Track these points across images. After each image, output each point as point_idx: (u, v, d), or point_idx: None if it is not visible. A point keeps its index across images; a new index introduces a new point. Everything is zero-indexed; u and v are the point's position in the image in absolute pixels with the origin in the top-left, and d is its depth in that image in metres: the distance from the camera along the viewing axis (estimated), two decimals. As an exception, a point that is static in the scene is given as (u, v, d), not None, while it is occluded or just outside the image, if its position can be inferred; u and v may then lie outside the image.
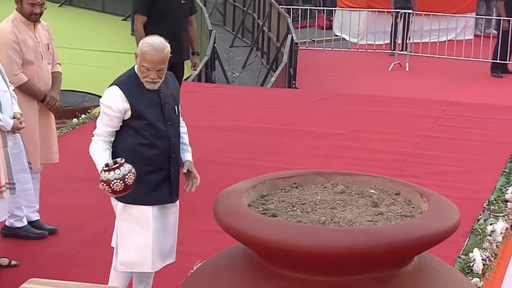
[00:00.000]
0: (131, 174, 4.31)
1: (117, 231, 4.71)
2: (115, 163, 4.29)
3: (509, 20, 14.79)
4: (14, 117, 5.35)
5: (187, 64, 7.59)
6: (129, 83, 4.59)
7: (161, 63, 4.55)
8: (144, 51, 4.52)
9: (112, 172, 4.24)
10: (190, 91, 10.09)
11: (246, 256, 3.81)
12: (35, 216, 5.93)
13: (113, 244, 4.79)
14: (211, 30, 13.72)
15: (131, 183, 4.31)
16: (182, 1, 7.16)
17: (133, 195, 4.54)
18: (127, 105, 4.52)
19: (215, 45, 13.27)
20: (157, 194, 4.64)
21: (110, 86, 4.61)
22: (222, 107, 9.39)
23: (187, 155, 4.84)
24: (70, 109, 8.76)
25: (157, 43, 4.57)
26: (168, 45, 4.61)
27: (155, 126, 4.60)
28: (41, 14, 5.89)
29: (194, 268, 4.65)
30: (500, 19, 15.12)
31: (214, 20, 17.00)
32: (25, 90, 5.76)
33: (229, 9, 19.11)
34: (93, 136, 4.58)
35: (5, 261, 5.52)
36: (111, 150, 4.56)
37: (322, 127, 8.60)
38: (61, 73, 6.19)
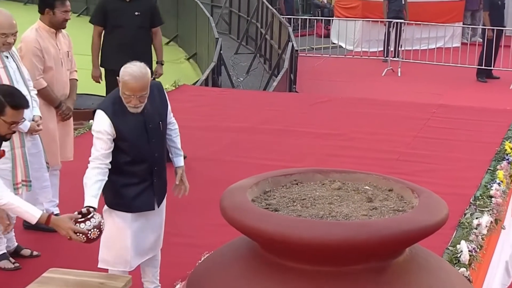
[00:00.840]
0: (103, 221, 4.23)
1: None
2: (88, 212, 4.19)
3: (493, 29, 14.79)
4: (33, 120, 5.35)
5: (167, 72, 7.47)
6: (114, 107, 4.51)
7: (142, 90, 4.44)
8: (125, 80, 4.42)
9: (88, 222, 4.13)
10: (198, 94, 10.10)
11: (250, 247, 3.81)
12: (56, 210, 5.93)
13: None
14: (218, 38, 13.71)
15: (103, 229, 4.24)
16: (136, 13, 7.01)
17: (116, 202, 4.55)
18: (112, 129, 4.48)
19: (221, 52, 13.27)
20: (139, 203, 4.61)
21: (96, 110, 4.55)
22: (227, 109, 9.39)
23: (178, 160, 4.84)
24: (87, 111, 8.74)
25: (136, 71, 4.44)
26: (149, 71, 4.50)
27: (138, 146, 4.56)
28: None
29: (202, 259, 4.64)
30: (485, 28, 15.13)
31: (220, 29, 16.98)
32: (43, 95, 5.80)
33: (234, 18, 19.10)
34: (90, 160, 4.53)
35: (27, 251, 5.52)
36: (105, 179, 4.48)
37: (320, 128, 8.60)
38: (77, 80, 6.23)
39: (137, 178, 4.60)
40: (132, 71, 4.45)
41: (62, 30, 6.02)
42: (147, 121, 4.59)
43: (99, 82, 7.15)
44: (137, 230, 4.61)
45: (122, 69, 4.51)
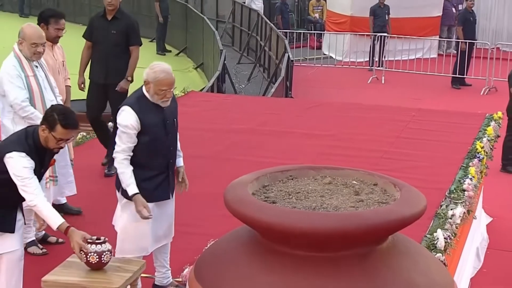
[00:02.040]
0: (108, 253, 4.14)
1: (119, 222, 4.69)
2: (102, 240, 4.14)
3: (466, 42, 14.81)
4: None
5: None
6: (139, 104, 4.52)
7: (174, 83, 4.54)
8: (161, 78, 4.45)
9: (93, 246, 4.08)
10: (205, 100, 10.08)
11: (251, 235, 3.81)
12: (63, 200, 5.91)
13: (113, 223, 4.80)
14: (222, 50, 13.70)
15: (106, 261, 4.15)
16: (113, 32, 6.86)
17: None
18: (138, 124, 4.48)
19: (225, 62, 13.26)
20: (158, 193, 4.63)
21: (122, 106, 4.55)
22: (230, 113, 9.38)
23: (180, 161, 4.84)
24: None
25: (167, 68, 4.52)
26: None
27: (158, 140, 4.57)
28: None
29: (208, 245, 4.64)
30: (458, 41, 15.14)
31: (224, 42, 16.96)
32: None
33: (237, 32, 19.09)
34: (114, 152, 4.52)
35: (53, 239, 5.53)
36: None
37: (313, 130, 8.58)
38: (70, 87, 6.22)
39: (156, 170, 4.60)
40: (164, 68, 4.51)
41: None
42: (165, 118, 4.62)
43: (83, 90, 7.02)
44: (153, 218, 4.61)
45: (149, 71, 4.52)
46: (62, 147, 4.31)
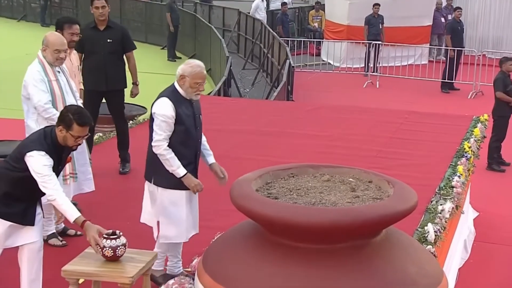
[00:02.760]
0: (122, 247, 4.12)
1: (154, 211, 4.69)
2: (117, 235, 4.12)
3: (454, 50, 14.80)
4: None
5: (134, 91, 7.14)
6: (174, 96, 4.57)
7: (206, 77, 4.65)
8: (198, 71, 4.53)
9: (109, 241, 4.07)
10: (212, 103, 10.07)
11: (255, 229, 3.81)
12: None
13: (142, 220, 4.81)
14: (228, 57, 13.69)
15: (120, 255, 4.12)
16: (109, 40, 6.73)
17: (173, 182, 4.54)
18: (175, 113, 4.52)
19: (231, 68, 13.25)
20: None
21: (160, 98, 4.58)
22: (236, 115, 9.38)
23: (213, 158, 4.86)
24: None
25: (201, 63, 4.63)
26: None
27: (189, 131, 4.60)
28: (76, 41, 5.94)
29: (215, 238, 4.64)
30: (447, 49, 15.13)
31: (230, 49, 16.95)
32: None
33: (242, 40, 19.09)
34: (155, 141, 4.52)
35: (72, 231, 5.53)
36: None
37: (312, 131, 8.58)
38: (82, 89, 6.19)
39: (186, 160, 4.60)
40: (199, 63, 4.62)
41: None
42: (195, 111, 4.67)
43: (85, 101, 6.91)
44: (188, 206, 4.64)
45: (185, 66, 4.58)
46: (80, 144, 4.32)
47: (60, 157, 4.29)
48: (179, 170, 4.52)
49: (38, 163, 4.10)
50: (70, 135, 4.18)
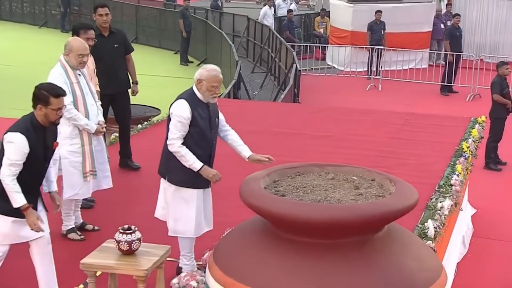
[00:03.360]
0: (137, 242, 4.14)
1: (172, 206, 4.69)
2: (133, 230, 4.14)
3: (453, 54, 14.76)
4: (98, 124, 5.37)
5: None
6: (191, 99, 4.58)
7: (221, 81, 4.65)
8: (214, 74, 4.56)
9: (124, 235, 4.10)
10: (222, 105, 9.93)
11: (263, 225, 3.81)
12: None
13: (156, 215, 4.81)
14: (238, 61, 13.69)
15: (135, 249, 4.15)
16: (115, 45, 6.75)
17: (185, 179, 4.54)
18: (191, 115, 4.52)
19: (240, 71, 13.25)
20: (200, 181, 4.63)
21: (178, 100, 4.59)
22: (245, 116, 9.37)
23: (248, 151, 4.89)
24: (136, 118, 8.75)
25: (217, 68, 4.64)
26: None
27: (204, 132, 4.60)
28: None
29: (225, 233, 4.65)
30: (446, 54, 15.08)
31: (240, 53, 16.95)
32: None
33: (251, 45, 19.08)
34: (170, 139, 4.53)
35: (90, 226, 5.55)
36: None
37: (318, 131, 8.57)
38: (99, 91, 6.16)
39: (200, 160, 4.59)
40: (215, 67, 4.64)
41: None
42: (210, 115, 4.67)
43: None
44: (199, 204, 4.63)
45: (202, 71, 4.59)
46: (61, 116, 4.27)
47: (44, 140, 4.22)
48: (195, 164, 4.53)
49: (11, 147, 4.06)
50: (50, 109, 4.15)
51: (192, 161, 4.52)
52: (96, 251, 4.21)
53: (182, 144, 4.54)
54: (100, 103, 5.60)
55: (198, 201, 4.63)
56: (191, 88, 4.65)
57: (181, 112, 4.52)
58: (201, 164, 4.54)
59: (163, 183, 4.72)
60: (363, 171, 4.17)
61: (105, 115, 6.60)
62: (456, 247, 6.87)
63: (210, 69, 4.58)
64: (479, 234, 7.68)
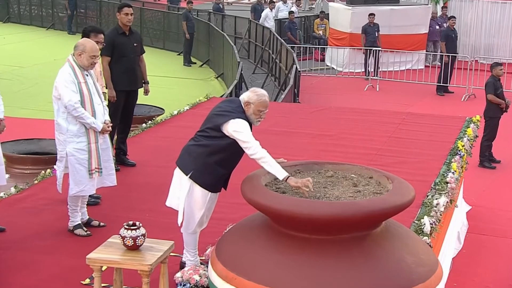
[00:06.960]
0: (142, 237, 4.11)
1: (186, 204, 4.62)
2: (138, 226, 4.11)
3: (448, 56, 14.74)
4: (104, 123, 5.37)
5: (140, 91, 7.16)
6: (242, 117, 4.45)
7: (268, 105, 4.50)
8: (264, 100, 4.42)
9: (129, 231, 4.06)
10: (225, 104, 10.06)
11: (264, 221, 3.81)
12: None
13: (167, 204, 4.71)
14: (239, 62, 13.68)
15: (140, 244, 4.11)
16: (135, 44, 6.87)
17: (208, 184, 4.45)
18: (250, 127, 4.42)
19: (242, 72, 13.24)
20: (218, 186, 4.55)
21: (235, 119, 4.39)
22: (247, 116, 9.36)
23: None
24: (140, 117, 8.73)
25: (266, 93, 4.51)
26: None
27: (234, 156, 4.47)
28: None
29: (227, 229, 4.64)
30: (442, 55, 15.06)
31: (241, 55, 16.93)
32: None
33: (252, 47, 19.07)
34: (251, 149, 4.32)
35: (96, 222, 5.54)
36: None
37: (317, 130, 8.57)
38: (105, 92, 6.16)
39: (229, 170, 4.51)
40: (264, 92, 4.49)
41: None
42: None
43: (115, 101, 6.79)
44: (208, 207, 4.59)
45: (252, 94, 4.44)
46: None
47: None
48: (280, 172, 4.10)
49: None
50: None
51: (277, 169, 4.14)
52: (102, 247, 4.21)
53: (221, 153, 4.39)
54: (106, 103, 5.59)
55: (208, 203, 4.58)
56: (240, 106, 4.47)
57: (246, 125, 4.39)
58: (287, 173, 4.11)
59: (182, 176, 4.55)
60: (361, 169, 4.17)
61: (117, 111, 6.71)
62: (452, 243, 6.87)
63: (260, 94, 4.44)
64: (473, 230, 7.68)
